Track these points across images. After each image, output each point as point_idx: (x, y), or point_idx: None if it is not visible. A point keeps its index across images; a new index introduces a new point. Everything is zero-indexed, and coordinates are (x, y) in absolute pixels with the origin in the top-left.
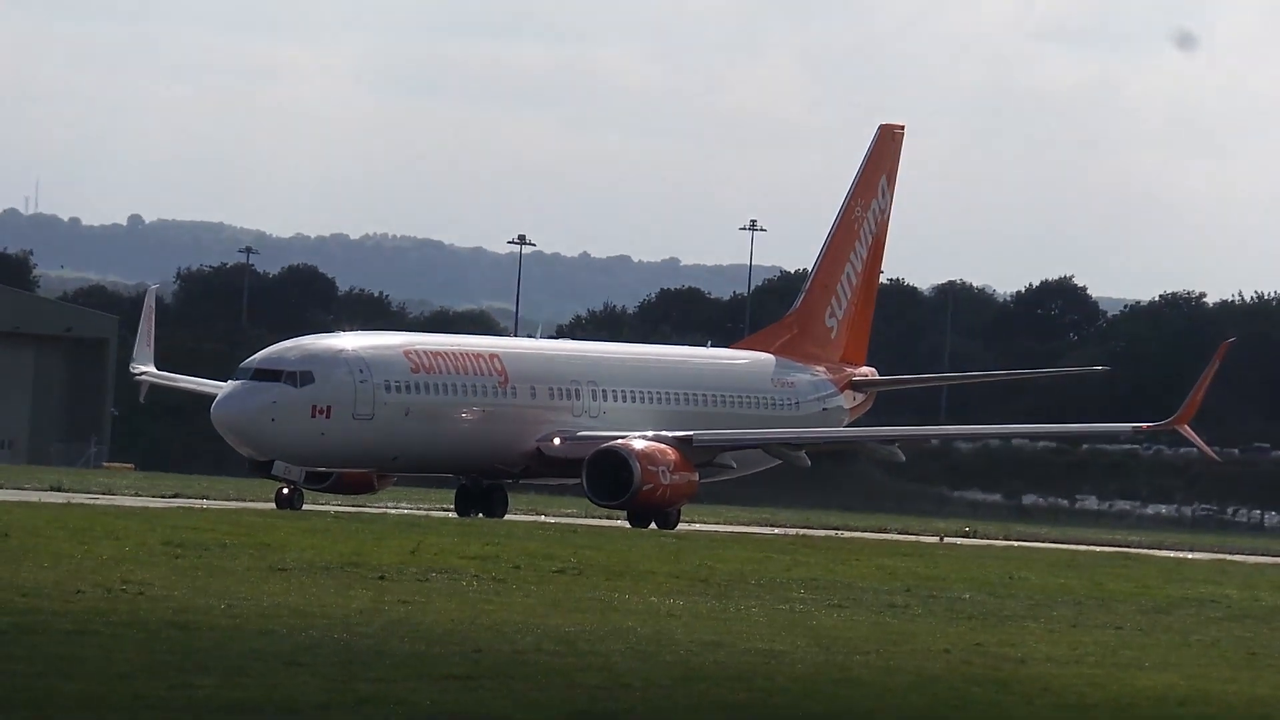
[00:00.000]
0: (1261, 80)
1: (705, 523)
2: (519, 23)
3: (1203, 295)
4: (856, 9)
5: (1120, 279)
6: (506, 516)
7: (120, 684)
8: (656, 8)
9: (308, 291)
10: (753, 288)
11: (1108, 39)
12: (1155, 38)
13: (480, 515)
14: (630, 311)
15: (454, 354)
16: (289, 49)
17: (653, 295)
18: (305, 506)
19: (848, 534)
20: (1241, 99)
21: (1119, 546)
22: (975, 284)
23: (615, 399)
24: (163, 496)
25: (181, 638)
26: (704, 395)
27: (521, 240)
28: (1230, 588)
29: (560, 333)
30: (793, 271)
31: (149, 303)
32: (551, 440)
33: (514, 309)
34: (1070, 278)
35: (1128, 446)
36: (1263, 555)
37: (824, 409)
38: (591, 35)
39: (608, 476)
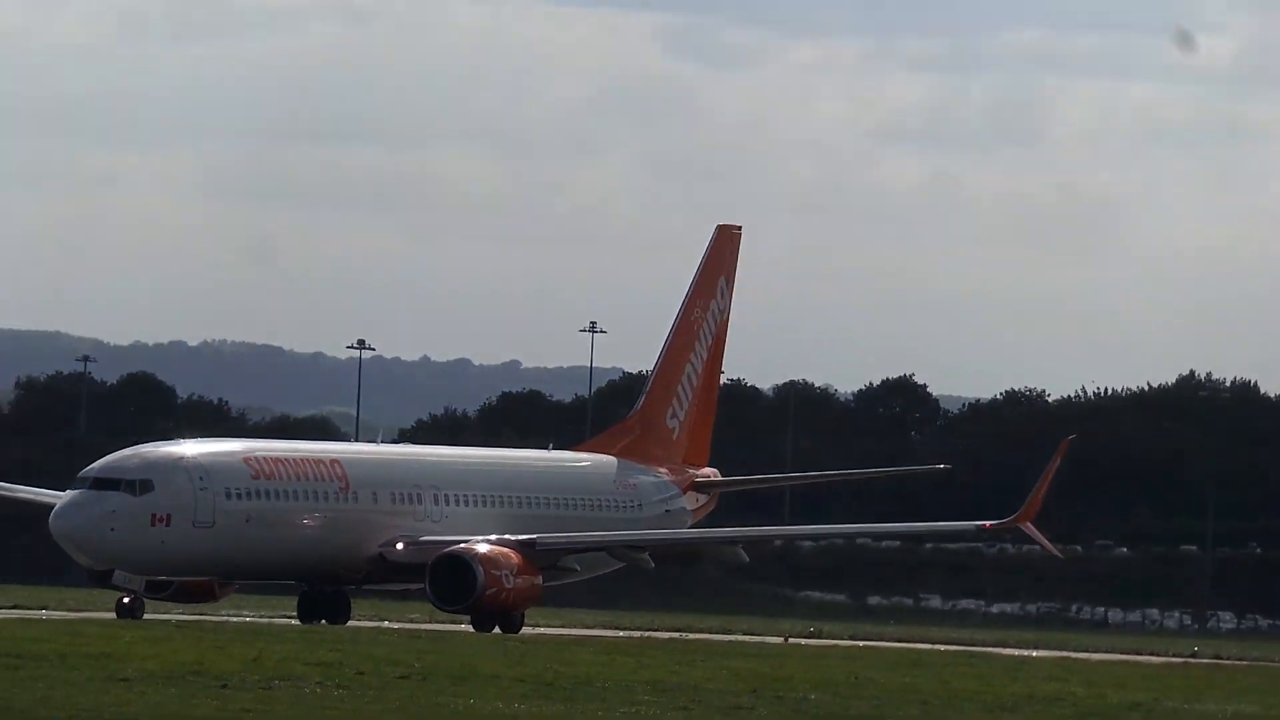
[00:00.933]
0: (1097, 180)
1: (550, 626)
2: (355, 127)
3: (1044, 393)
4: (692, 112)
5: (961, 377)
6: (350, 623)
7: None
8: (493, 112)
9: (147, 399)
10: (594, 390)
11: (943, 139)
12: (991, 137)
13: (323, 622)
14: (471, 415)
15: (295, 460)
16: (119, 156)
17: (494, 398)
18: (146, 615)
19: (692, 636)
20: (1078, 199)
21: (964, 645)
22: (816, 383)
23: (458, 503)
24: (1, 608)
25: None
26: (546, 498)
27: (361, 345)
28: (1075, 685)
29: (402, 437)
30: (634, 373)
31: None
32: (394, 545)
33: (355, 414)
34: (911, 376)
35: (971, 545)
36: (1107, 653)
37: (667, 510)
38: (428, 139)
39: (451, 581)
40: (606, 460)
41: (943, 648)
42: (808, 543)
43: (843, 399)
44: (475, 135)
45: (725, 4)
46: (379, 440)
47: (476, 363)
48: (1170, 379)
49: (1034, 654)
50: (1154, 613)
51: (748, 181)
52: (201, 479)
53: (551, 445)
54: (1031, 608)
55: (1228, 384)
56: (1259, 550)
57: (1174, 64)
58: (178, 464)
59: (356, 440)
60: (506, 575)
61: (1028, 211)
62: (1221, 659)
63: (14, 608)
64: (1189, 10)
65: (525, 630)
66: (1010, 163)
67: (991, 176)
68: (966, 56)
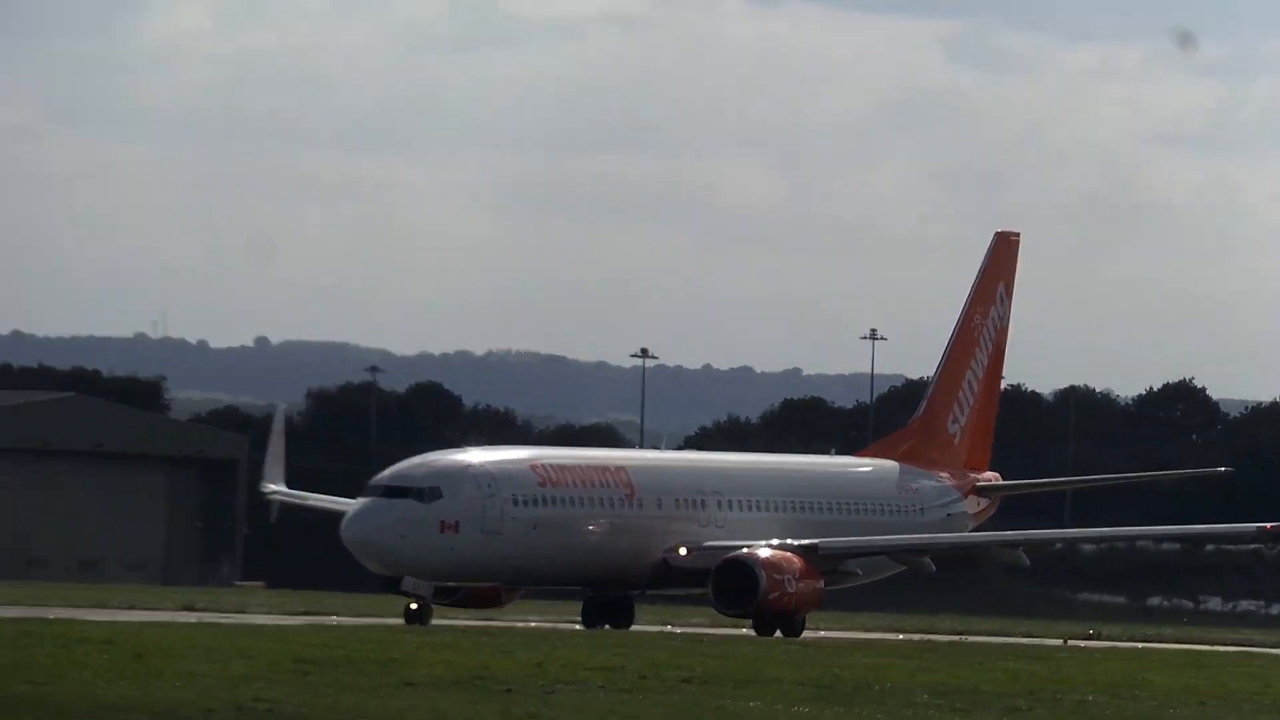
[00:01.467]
0: None
1: (830, 629)
2: (634, 137)
3: None
4: (971, 119)
5: (1240, 381)
6: (633, 627)
7: None
8: (773, 120)
9: (434, 409)
10: (875, 396)
11: (1223, 144)
12: (1271, 141)
13: (607, 627)
14: (754, 422)
15: (580, 467)
16: (407, 168)
17: (776, 405)
18: (434, 621)
19: (972, 638)
20: None
21: (1243, 646)
22: (1097, 388)
23: (740, 509)
24: (293, 614)
25: None
26: (829, 503)
27: (644, 354)
28: None
29: (686, 444)
30: (915, 379)
31: (278, 422)
32: (678, 551)
33: (639, 421)
34: (1191, 380)
35: (1253, 546)
36: None
37: (948, 514)
38: (706, 148)
39: (734, 586)
40: (888, 465)
41: (1223, 649)
42: (1088, 545)
43: (1123, 403)
44: (755, 144)
45: (1005, 9)
46: (662, 447)
47: (758, 370)
48: None
49: None
50: None
51: (1026, 188)
52: (489, 486)
53: (834, 450)
54: None
55: None
56: None
57: None
58: (465, 472)
59: (640, 448)
60: (789, 580)
61: None
62: None
63: (305, 614)
64: None
65: (806, 634)
66: None
67: (1272, 180)
68: (1248, 61)
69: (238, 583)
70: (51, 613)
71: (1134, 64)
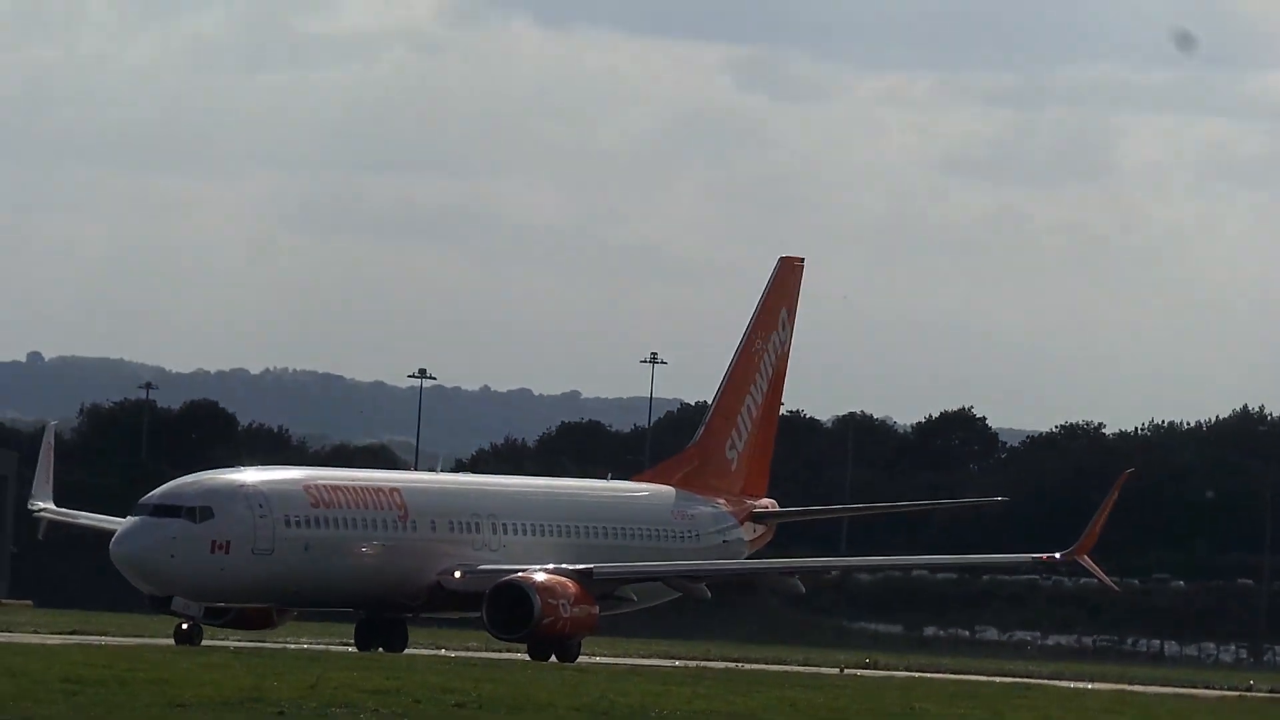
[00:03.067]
0: (1159, 214)
1: (606, 655)
2: (421, 157)
3: (1101, 426)
4: (760, 144)
5: (1019, 410)
6: (407, 650)
7: None
8: (559, 144)
9: (208, 427)
10: (653, 420)
11: (1011, 173)
12: (1058, 171)
13: (381, 650)
14: (530, 445)
15: (354, 488)
16: (189, 185)
17: (553, 428)
18: (205, 642)
19: (748, 666)
20: (1139, 232)
21: (1019, 677)
22: (876, 415)
23: (516, 532)
24: (61, 633)
25: None
26: (604, 528)
27: (422, 374)
28: (1131, 718)
29: (460, 466)
30: (693, 404)
31: (48, 439)
32: (452, 574)
33: (415, 442)
34: (970, 408)
35: (1028, 577)
36: (1162, 686)
37: (724, 541)
38: (492, 171)
39: (508, 610)
40: (665, 490)
41: (998, 680)
42: (864, 574)
43: (901, 431)
44: (542, 166)
45: (796, 36)
46: (437, 469)
47: (537, 392)
48: (1228, 413)
49: (1090, 686)
50: (1210, 646)
51: (812, 214)
52: (261, 506)
53: (610, 475)
54: (1088, 640)
55: None
56: None
57: (1245, 99)
58: (238, 491)
59: (416, 469)
60: (563, 604)
61: (1092, 246)
62: (1278, 693)
63: (73, 633)
64: (1259, 47)
65: (581, 659)
66: (1076, 197)
67: (1057, 210)
68: (1035, 90)
69: (5, 601)
70: None
71: (924, 92)
